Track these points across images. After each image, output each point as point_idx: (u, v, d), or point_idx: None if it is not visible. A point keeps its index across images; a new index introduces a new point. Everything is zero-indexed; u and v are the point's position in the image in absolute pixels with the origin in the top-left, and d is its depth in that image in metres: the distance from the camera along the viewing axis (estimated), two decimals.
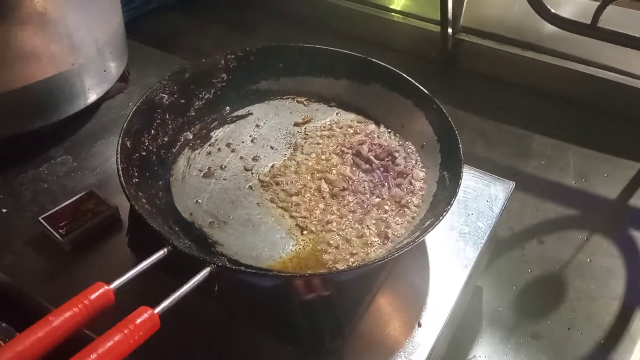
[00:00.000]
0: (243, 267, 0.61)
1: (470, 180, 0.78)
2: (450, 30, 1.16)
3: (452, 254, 0.70)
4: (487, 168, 0.81)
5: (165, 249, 0.55)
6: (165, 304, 0.49)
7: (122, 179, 0.62)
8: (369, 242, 0.64)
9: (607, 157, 1.05)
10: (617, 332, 0.79)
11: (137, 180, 0.66)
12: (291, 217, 0.68)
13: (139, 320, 0.46)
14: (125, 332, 0.45)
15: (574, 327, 0.80)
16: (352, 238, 0.65)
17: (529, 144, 1.08)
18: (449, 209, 0.61)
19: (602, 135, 1.09)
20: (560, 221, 0.95)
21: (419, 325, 0.62)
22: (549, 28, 1.00)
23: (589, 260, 0.88)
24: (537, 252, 0.89)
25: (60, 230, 0.68)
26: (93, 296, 0.48)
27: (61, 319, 0.45)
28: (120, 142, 0.66)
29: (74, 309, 0.46)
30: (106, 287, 0.49)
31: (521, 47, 1.17)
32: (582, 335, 0.79)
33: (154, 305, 0.49)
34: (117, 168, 0.63)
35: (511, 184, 0.78)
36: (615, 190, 0.99)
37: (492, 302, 0.83)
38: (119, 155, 0.64)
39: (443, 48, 1.20)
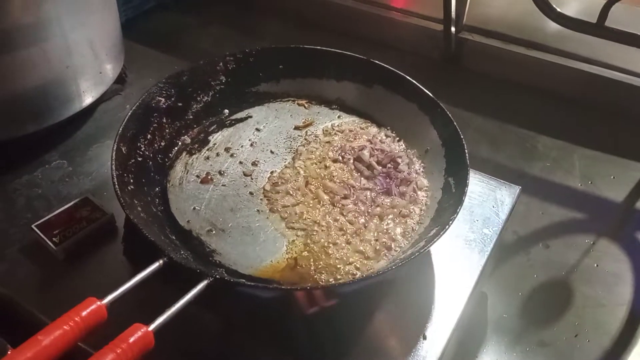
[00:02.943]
0: (242, 280, 0.59)
1: (476, 185, 0.76)
2: (453, 29, 1.14)
3: (457, 262, 0.68)
4: (492, 170, 0.80)
5: (161, 261, 0.54)
6: (160, 320, 0.48)
7: (116, 186, 0.60)
8: (371, 253, 0.63)
9: (613, 159, 1.03)
10: (625, 340, 0.78)
11: (132, 187, 0.65)
12: (292, 227, 0.66)
13: (132, 339, 0.45)
14: (118, 351, 0.43)
15: (580, 334, 0.78)
16: (354, 248, 0.63)
17: (534, 145, 1.05)
18: (455, 218, 0.59)
19: (608, 136, 1.07)
20: (566, 225, 0.93)
21: (424, 338, 0.60)
22: (554, 27, 0.98)
23: (595, 265, 0.86)
24: (543, 256, 0.87)
25: (54, 239, 0.66)
26: (85, 313, 0.46)
27: (51, 338, 0.44)
28: (115, 148, 0.65)
29: (65, 327, 0.45)
30: (98, 302, 0.47)
31: (526, 46, 1.15)
32: (589, 343, 0.77)
33: (148, 320, 0.47)
34: (112, 175, 0.61)
35: (517, 189, 0.76)
36: (622, 192, 0.97)
37: (497, 308, 0.82)
38: (113, 162, 0.63)
39: (446, 47, 1.18)
